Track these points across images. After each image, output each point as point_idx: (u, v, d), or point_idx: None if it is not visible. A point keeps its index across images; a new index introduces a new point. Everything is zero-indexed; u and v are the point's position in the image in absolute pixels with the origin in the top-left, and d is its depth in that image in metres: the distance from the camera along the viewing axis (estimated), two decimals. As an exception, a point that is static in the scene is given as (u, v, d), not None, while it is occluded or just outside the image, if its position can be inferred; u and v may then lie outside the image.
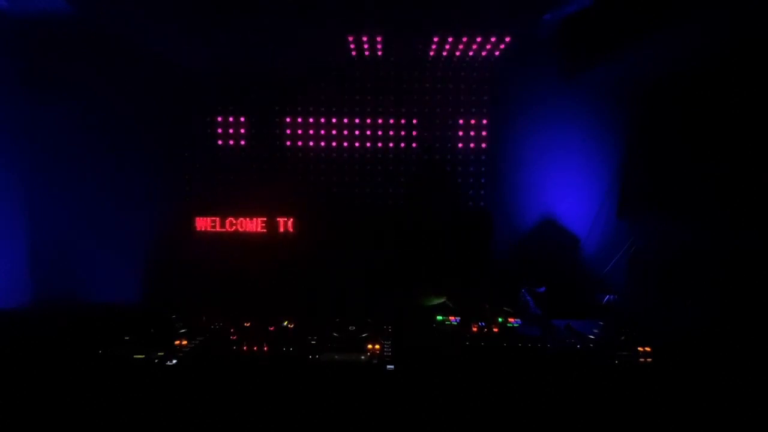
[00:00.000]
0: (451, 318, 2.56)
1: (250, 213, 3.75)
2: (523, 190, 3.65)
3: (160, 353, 2.12)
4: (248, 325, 2.47)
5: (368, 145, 3.76)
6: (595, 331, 2.39)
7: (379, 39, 3.31)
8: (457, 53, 3.48)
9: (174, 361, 2.07)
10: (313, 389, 1.96)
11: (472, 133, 3.74)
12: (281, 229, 3.75)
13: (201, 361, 2.11)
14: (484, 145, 3.74)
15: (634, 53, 2.99)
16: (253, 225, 3.75)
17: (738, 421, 1.86)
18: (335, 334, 2.32)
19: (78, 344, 2.20)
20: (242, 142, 3.77)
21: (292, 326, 2.46)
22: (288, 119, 3.76)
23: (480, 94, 3.71)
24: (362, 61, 3.63)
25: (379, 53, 3.51)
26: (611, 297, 3.32)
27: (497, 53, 3.47)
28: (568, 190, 3.59)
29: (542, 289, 3.40)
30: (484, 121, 3.72)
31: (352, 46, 3.40)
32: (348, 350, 2.16)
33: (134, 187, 3.54)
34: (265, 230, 3.75)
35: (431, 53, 3.49)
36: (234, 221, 3.74)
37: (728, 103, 2.58)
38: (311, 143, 3.77)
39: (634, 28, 2.80)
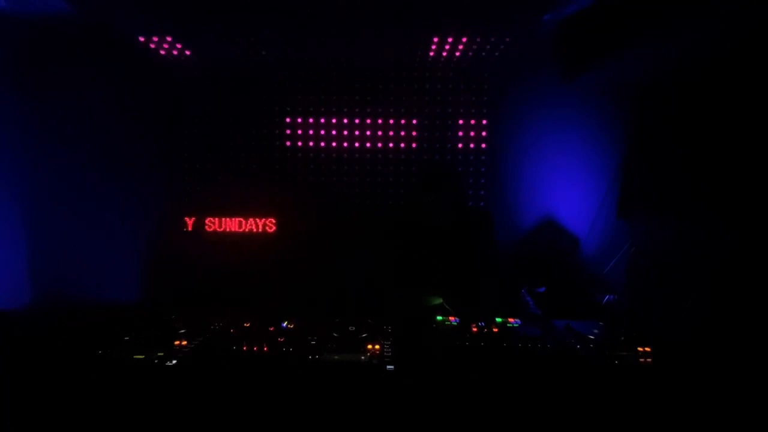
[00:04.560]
0: (451, 318, 2.56)
1: (250, 213, 3.75)
2: (523, 190, 3.65)
3: (160, 353, 2.11)
4: (248, 325, 2.47)
5: (368, 145, 3.77)
6: (595, 331, 2.39)
7: (379, 39, 3.31)
8: (457, 53, 3.48)
9: (174, 362, 2.07)
10: (313, 389, 1.96)
11: (472, 134, 3.74)
12: (281, 229, 3.75)
13: (201, 361, 2.10)
14: (484, 146, 3.74)
15: (633, 54, 2.99)
16: (254, 225, 3.76)
17: (739, 421, 1.86)
18: (335, 334, 2.32)
19: (77, 344, 2.20)
20: (242, 142, 3.77)
21: (292, 326, 2.46)
22: (288, 119, 3.76)
23: (480, 94, 3.72)
24: (362, 61, 3.64)
25: (380, 53, 3.51)
26: (611, 297, 3.32)
27: (497, 53, 3.47)
28: (568, 190, 3.60)
29: (542, 289, 3.40)
30: (484, 122, 3.72)
31: (352, 46, 3.40)
32: (348, 350, 2.16)
33: (134, 186, 3.55)
34: (265, 230, 3.75)
35: (431, 53, 3.49)
36: (233, 221, 3.75)
37: (728, 104, 2.59)
38: (311, 143, 3.77)
39: (634, 29, 2.80)
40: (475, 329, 2.41)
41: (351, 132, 3.76)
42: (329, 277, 3.57)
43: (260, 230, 3.75)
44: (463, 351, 2.19)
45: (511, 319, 2.57)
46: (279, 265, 3.66)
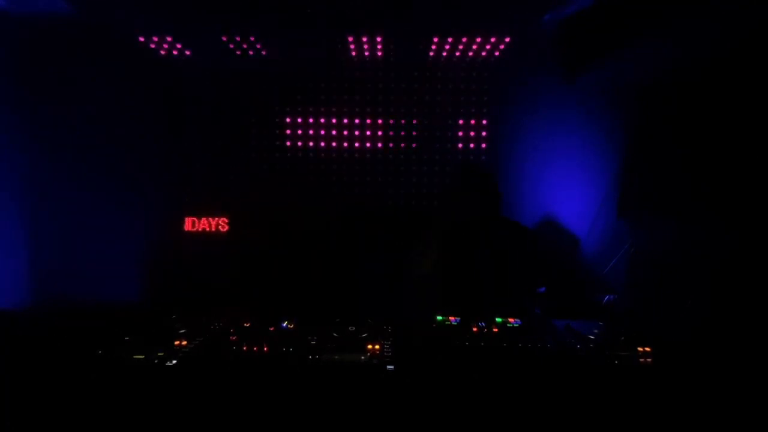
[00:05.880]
0: (451, 318, 2.56)
1: (250, 212, 3.75)
2: (522, 190, 3.65)
3: (160, 353, 2.12)
4: (248, 325, 2.47)
5: (368, 145, 3.77)
6: (595, 331, 2.39)
7: (379, 39, 3.31)
8: (457, 53, 3.48)
9: (174, 362, 2.07)
10: (313, 389, 1.96)
11: (472, 134, 3.74)
12: (283, 228, 3.75)
13: (201, 362, 2.10)
14: (484, 146, 3.74)
15: (633, 54, 2.99)
16: (254, 224, 3.75)
17: (738, 421, 1.86)
18: (335, 334, 2.32)
19: (77, 344, 2.20)
20: (242, 142, 3.77)
21: (292, 326, 2.46)
22: (288, 119, 3.76)
23: (480, 94, 3.72)
24: (361, 61, 3.64)
25: (379, 53, 3.51)
26: (611, 297, 3.32)
27: (497, 53, 3.47)
28: (568, 190, 3.59)
29: (542, 289, 3.40)
30: (484, 122, 3.72)
31: (352, 46, 3.40)
32: (348, 350, 2.16)
33: (134, 186, 3.55)
34: (266, 229, 3.75)
35: (431, 53, 3.49)
36: (233, 221, 3.74)
37: (728, 104, 2.59)
38: (311, 143, 3.77)
39: (634, 29, 2.80)
40: (475, 329, 2.41)
41: (351, 132, 3.76)
42: (327, 277, 3.57)
43: (260, 230, 3.74)
44: (463, 351, 2.19)
45: (511, 319, 2.57)
46: (278, 265, 3.65)
